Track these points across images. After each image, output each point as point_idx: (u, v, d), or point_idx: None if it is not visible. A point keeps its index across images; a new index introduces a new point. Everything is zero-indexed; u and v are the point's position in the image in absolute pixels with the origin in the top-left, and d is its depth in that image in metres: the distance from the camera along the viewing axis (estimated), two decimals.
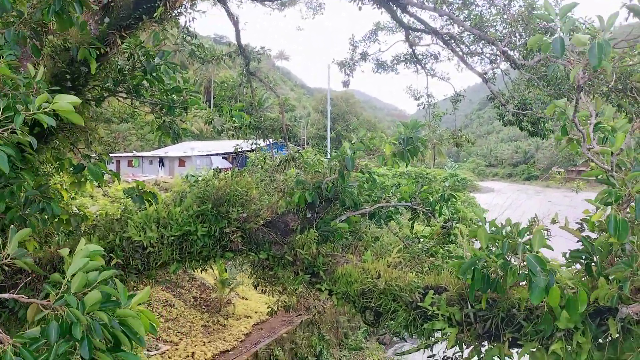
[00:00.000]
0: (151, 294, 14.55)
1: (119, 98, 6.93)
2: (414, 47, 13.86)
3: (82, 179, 6.93)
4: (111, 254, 5.36)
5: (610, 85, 8.36)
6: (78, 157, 6.77)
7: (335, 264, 5.27)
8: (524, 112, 11.55)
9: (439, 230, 6.35)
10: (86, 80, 5.83)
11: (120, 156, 50.93)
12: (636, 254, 3.09)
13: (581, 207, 4.36)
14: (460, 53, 11.40)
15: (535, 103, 11.73)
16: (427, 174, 55.31)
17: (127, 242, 5.48)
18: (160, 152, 55.49)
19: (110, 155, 7.03)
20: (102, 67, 5.73)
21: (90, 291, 2.60)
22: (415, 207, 6.15)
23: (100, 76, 5.89)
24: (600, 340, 3.62)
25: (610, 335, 3.42)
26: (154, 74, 6.02)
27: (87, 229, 5.90)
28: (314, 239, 5.36)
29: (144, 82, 6.34)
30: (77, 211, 6.74)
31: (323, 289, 5.18)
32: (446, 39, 11.25)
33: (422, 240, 6.30)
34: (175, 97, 6.71)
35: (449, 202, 6.03)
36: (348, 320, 20.47)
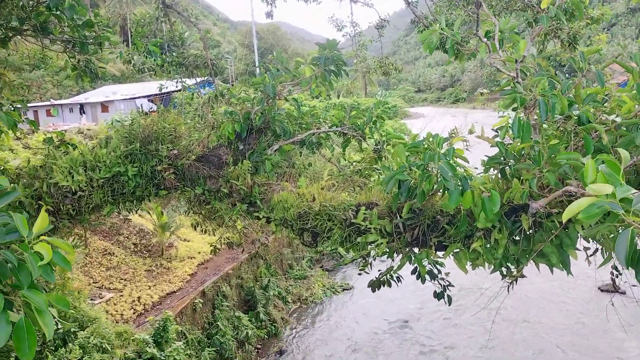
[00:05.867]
0: (89, 243, 14.24)
1: (27, 39, 6.46)
2: None
3: None
4: (39, 201, 5.19)
5: (526, 1, 8.64)
6: None
7: (271, 192, 5.38)
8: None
9: (370, 154, 6.54)
10: None
11: (38, 106, 47.73)
12: (542, 153, 3.36)
13: None
14: None
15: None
16: (358, 104, 55.70)
17: (54, 188, 5.31)
18: (80, 98, 52.43)
19: (27, 104, 6.61)
20: (3, 5, 5.28)
21: None
22: (345, 131, 6.28)
23: (2, 14, 5.44)
24: (516, 237, 3.98)
25: (524, 231, 3.77)
26: (59, 10, 5.60)
27: (10, 179, 5.65)
28: (248, 169, 5.41)
29: (52, 18, 5.90)
30: None
31: (261, 217, 5.31)
32: None
33: (354, 163, 6.49)
34: (87, 33, 6.31)
35: (377, 124, 6.19)
36: (292, 252, 21.00)
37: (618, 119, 3.53)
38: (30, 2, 5.63)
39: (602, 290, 16.95)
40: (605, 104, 3.82)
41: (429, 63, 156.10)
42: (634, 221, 2.25)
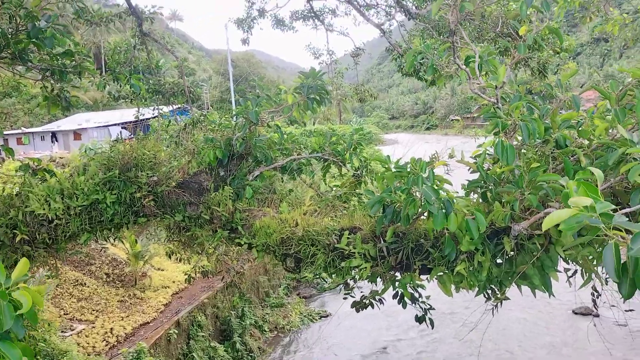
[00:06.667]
0: (60, 274, 13.84)
1: (2, 66, 6.37)
2: (311, 1, 13.85)
3: None
4: (15, 230, 5.06)
5: (497, 30, 8.92)
6: None
7: (252, 218, 5.35)
8: (421, 62, 12.01)
9: (350, 179, 6.59)
10: None
11: (8, 134, 46.86)
12: (523, 176, 3.45)
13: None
14: (357, 5, 11.57)
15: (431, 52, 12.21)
16: (334, 131, 55.92)
17: (30, 216, 5.19)
18: (52, 126, 51.74)
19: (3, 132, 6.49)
20: None
21: None
22: (326, 157, 6.32)
23: None
24: (499, 260, 4.04)
25: (507, 253, 3.83)
26: (39, 37, 5.56)
27: None
28: (229, 195, 5.39)
29: (31, 46, 5.84)
30: None
31: (243, 243, 5.27)
32: None
33: (334, 188, 6.52)
34: (67, 62, 6.26)
35: (357, 150, 6.26)
36: (268, 279, 20.77)
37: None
38: (10, 30, 5.58)
39: (576, 313, 17.17)
40: (580, 128, 3.95)
41: (402, 91, 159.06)
42: (614, 234, 2.30)
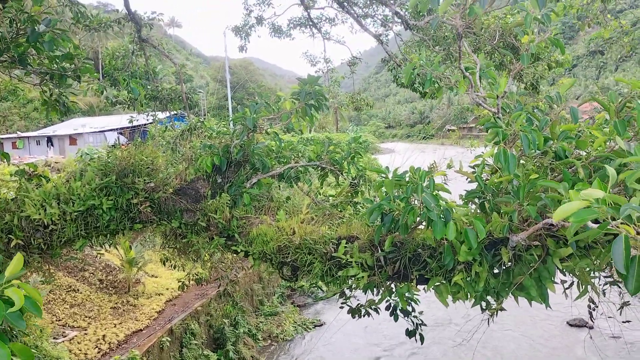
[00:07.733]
0: (53, 280, 13.71)
1: (0, 70, 6.36)
2: (309, 10, 13.91)
3: None
4: (10, 235, 5.03)
5: (493, 43, 8.97)
6: None
7: (249, 225, 5.33)
8: (418, 74, 12.04)
9: (347, 188, 6.59)
10: None
11: (4, 138, 46.72)
12: (522, 186, 3.46)
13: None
14: (355, 15, 11.62)
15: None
16: (330, 139, 55.99)
17: (26, 221, 5.15)
18: (48, 131, 51.64)
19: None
20: None
21: None
22: (323, 165, 6.32)
23: None
24: (496, 270, 4.04)
25: (504, 263, 3.83)
26: (39, 41, 5.55)
27: None
28: (227, 203, 5.37)
29: (31, 49, 5.83)
30: None
31: (239, 251, 5.24)
32: (341, 0, 11.40)
33: (331, 198, 6.52)
34: (66, 66, 6.25)
35: (355, 158, 6.26)
36: (263, 287, 20.69)
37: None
38: (10, 33, 5.56)
39: (570, 325, 17.19)
40: (579, 140, 3.97)
41: (399, 100, 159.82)
42: (624, 229, 2.26)
